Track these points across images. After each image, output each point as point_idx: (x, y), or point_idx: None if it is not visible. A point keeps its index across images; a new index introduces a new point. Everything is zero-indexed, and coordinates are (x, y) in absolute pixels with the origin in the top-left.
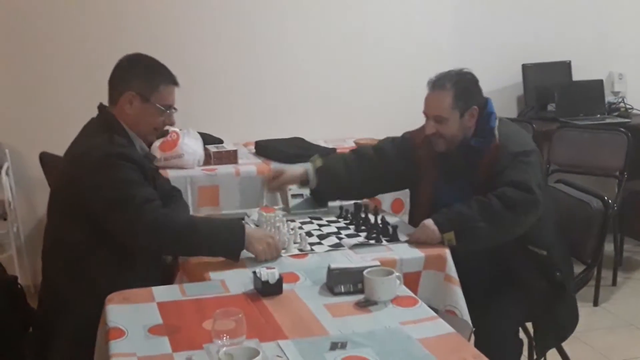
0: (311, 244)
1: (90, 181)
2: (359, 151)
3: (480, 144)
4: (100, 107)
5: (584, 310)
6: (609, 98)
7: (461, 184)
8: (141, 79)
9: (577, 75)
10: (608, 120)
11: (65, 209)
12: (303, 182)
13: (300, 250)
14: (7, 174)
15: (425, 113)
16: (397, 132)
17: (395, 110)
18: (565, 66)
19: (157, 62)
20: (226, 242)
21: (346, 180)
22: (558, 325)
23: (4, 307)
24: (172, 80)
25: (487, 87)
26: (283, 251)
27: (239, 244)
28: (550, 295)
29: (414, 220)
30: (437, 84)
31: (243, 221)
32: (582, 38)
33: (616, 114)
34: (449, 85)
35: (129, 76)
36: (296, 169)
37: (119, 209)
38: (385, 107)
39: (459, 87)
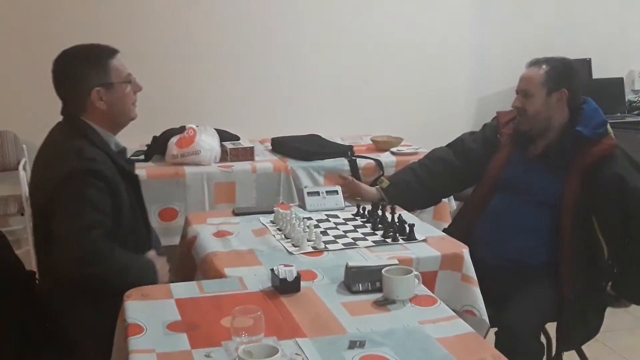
0: (326, 243)
1: (53, 194)
2: (431, 154)
3: (591, 133)
4: (67, 114)
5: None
6: (629, 96)
7: (543, 167)
8: (91, 70)
9: (597, 73)
10: (629, 119)
11: (38, 219)
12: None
13: (314, 248)
14: (24, 169)
15: (516, 89)
16: (414, 130)
17: (412, 107)
18: (585, 64)
19: (87, 46)
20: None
21: (418, 190)
22: (586, 325)
23: (23, 302)
24: (112, 50)
25: (505, 84)
26: (297, 248)
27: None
28: (584, 292)
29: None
30: (534, 62)
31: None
32: (602, 35)
33: (637, 112)
34: (543, 65)
35: (80, 76)
36: (371, 189)
37: (63, 226)
38: (402, 105)
39: (552, 67)
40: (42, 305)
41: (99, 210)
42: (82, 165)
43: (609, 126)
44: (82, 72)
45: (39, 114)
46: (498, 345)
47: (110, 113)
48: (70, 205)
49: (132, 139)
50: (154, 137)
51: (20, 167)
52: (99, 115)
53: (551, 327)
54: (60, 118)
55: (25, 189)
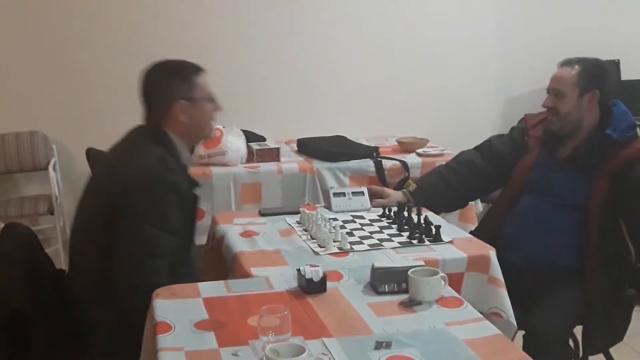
0: (351, 243)
1: (129, 202)
2: (458, 157)
3: (620, 135)
4: (149, 121)
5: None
6: None
7: (571, 169)
8: (179, 84)
9: (626, 74)
10: None
11: (95, 220)
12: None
13: (340, 248)
14: (54, 169)
15: (548, 88)
16: (440, 131)
17: (438, 108)
18: (614, 65)
19: (177, 61)
20: None
21: (446, 194)
22: (612, 328)
23: (53, 300)
24: (198, 69)
25: (532, 85)
26: (323, 249)
27: None
28: (611, 295)
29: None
30: (567, 62)
31: None
32: (631, 36)
33: None
34: (576, 65)
35: (167, 88)
36: (398, 193)
37: (136, 244)
38: (428, 106)
39: (585, 68)
40: (69, 304)
41: (169, 231)
42: (162, 174)
43: (638, 130)
44: (170, 84)
45: (68, 115)
46: (526, 348)
47: (189, 127)
48: (144, 220)
49: None
50: None
51: (50, 167)
52: (179, 127)
53: (577, 331)
54: (90, 116)
55: (55, 189)
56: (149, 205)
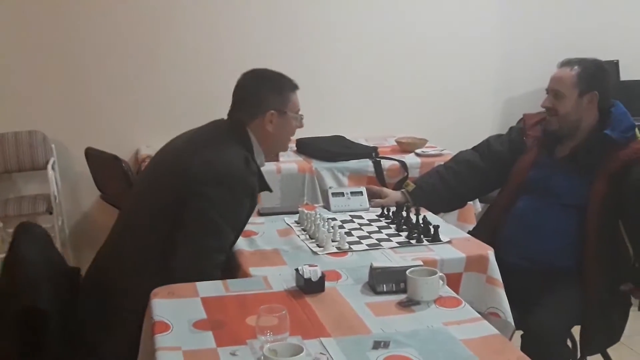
0: (350, 243)
1: (209, 190)
2: (457, 157)
3: (619, 136)
4: (234, 119)
5: (629, 314)
6: None
7: (570, 169)
8: (274, 95)
9: (625, 74)
10: None
11: (160, 201)
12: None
13: (339, 248)
14: (53, 168)
15: (547, 88)
16: (439, 131)
17: (437, 108)
18: (613, 65)
19: (277, 74)
20: None
21: (444, 194)
22: (610, 328)
23: (69, 298)
24: (294, 85)
25: (532, 86)
26: (321, 249)
27: None
28: (608, 295)
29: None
30: (566, 62)
31: None
32: (630, 37)
33: None
34: (576, 66)
35: (263, 95)
36: (397, 193)
37: (204, 230)
38: (427, 106)
39: (584, 69)
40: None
41: (234, 229)
42: (246, 176)
43: (637, 130)
44: (267, 92)
45: (67, 114)
46: (525, 348)
47: (272, 137)
48: (218, 212)
49: (158, 139)
50: None
51: (49, 166)
52: (263, 134)
53: (575, 331)
54: (88, 116)
55: (54, 188)
56: (226, 200)
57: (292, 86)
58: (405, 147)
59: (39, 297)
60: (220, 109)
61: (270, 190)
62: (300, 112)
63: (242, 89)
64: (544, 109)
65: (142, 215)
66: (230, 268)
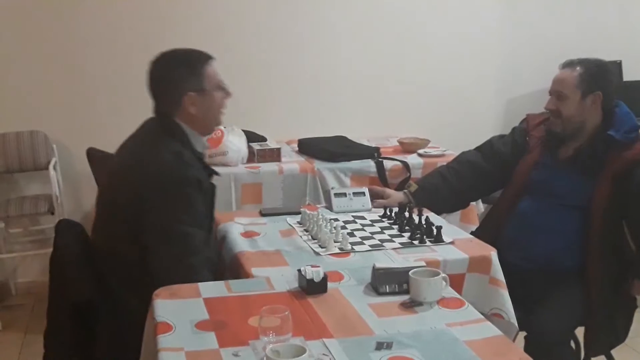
0: (352, 244)
1: (154, 202)
2: (460, 158)
3: (623, 137)
4: (159, 113)
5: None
6: None
7: (573, 170)
8: (187, 75)
9: (628, 75)
10: None
11: (118, 215)
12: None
13: (341, 249)
14: (54, 169)
15: (550, 90)
16: (441, 132)
17: (439, 109)
18: (616, 66)
19: (185, 51)
20: None
21: (447, 195)
22: (614, 329)
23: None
24: (208, 57)
25: (535, 86)
26: (323, 249)
27: None
28: (612, 296)
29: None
30: (568, 63)
31: None
32: (633, 37)
33: None
34: (578, 67)
35: (175, 80)
36: (399, 194)
37: (170, 244)
38: (429, 106)
39: (587, 70)
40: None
41: (199, 226)
42: (183, 172)
43: None
44: (178, 76)
45: (69, 114)
46: (528, 349)
47: (200, 118)
48: (174, 218)
49: None
50: None
51: (51, 167)
52: (190, 118)
53: (579, 332)
54: (90, 116)
55: (55, 189)
56: (175, 204)
57: (205, 59)
58: (407, 147)
59: (87, 290)
60: None
61: (217, 174)
62: (221, 81)
63: (154, 79)
64: (545, 109)
65: (108, 242)
66: (233, 269)
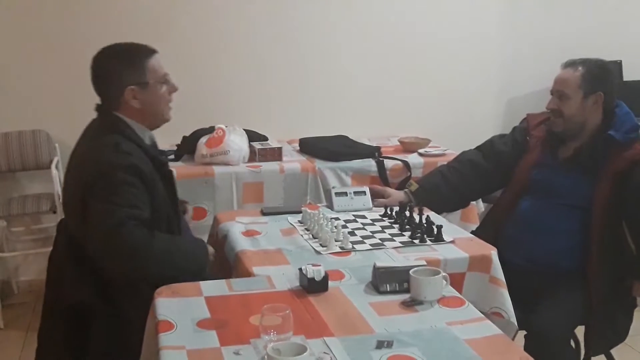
0: (353, 243)
1: (87, 191)
2: (460, 157)
3: (623, 137)
4: (100, 110)
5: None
6: None
7: (573, 170)
8: (128, 69)
9: (629, 75)
10: None
11: (73, 217)
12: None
13: (342, 248)
14: (56, 167)
15: (551, 90)
16: (442, 131)
17: (440, 108)
18: (616, 66)
19: (125, 45)
20: (197, 260)
21: (447, 194)
22: (614, 329)
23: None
24: (151, 50)
25: (535, 86)
26: (324, 248)
27: (205, 259)
28: (612, 296)
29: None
30: (570, 63)
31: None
32: (633, 37)
33: None
34: (580, 67)
35: (115, 74)
36: (400, 193)
37: (99, 222)
38: (430, 106)
39: (589, 70)
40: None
41: (132, 206)
42: (118, 160)
43: None
44: (118, 70)
45: (71, 113)
46: (528, 349)
47: (144, 112)
48: (103, 202)
49: (162, 139)
50: (184, 137)
51: (53, 166)
52: (133, 112)
53: (579, 331)
54: (92, 115)
55: (57, 188)
56: (111, 190)
57: (147, 52)
58: (408, 146)
59: (83, 291)
60: (217, 108)
61: (166, 161)
62: (166, 75)
63: (96, 75)
64: (547, 109)
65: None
66: (233, 267)
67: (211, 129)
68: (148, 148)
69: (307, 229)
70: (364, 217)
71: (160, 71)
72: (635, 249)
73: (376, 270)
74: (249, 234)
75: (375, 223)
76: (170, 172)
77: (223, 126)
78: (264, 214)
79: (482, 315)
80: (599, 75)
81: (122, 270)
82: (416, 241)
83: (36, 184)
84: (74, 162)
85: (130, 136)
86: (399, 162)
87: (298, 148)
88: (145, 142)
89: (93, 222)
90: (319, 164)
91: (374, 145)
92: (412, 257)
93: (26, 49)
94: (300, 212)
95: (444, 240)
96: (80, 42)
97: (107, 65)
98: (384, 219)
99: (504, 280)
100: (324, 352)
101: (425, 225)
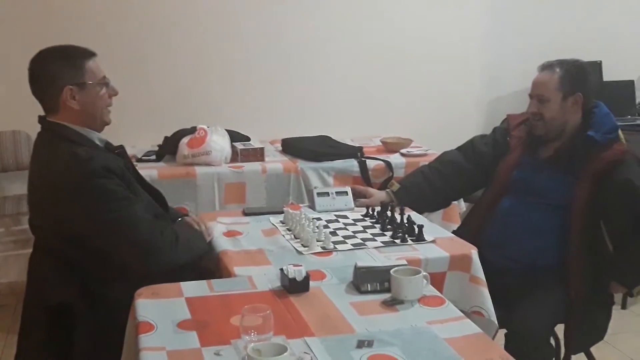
0: (335, 243)
1: (78, 208)
2: (441, 157)
3: (602, 137)
4: (42, 121)
5: (612, 313)
6: None
7: (553, 170)
8: (65, 69)
9: (608, 75)
10: (639, 122)
11: (53, 232)
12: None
13: (324, 248)
14: None
15: (530, 93)
16: (424, 131)
17: (422, 109)
18: (596, 66)
19: (64, 46)
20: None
21: (429, 194)
22: (594, 327)
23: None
24: (89, 53)
25: (516, 86)
26: (306, 249)
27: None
28: (591, 294)
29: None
30: (547, 66)
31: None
32: (613, 38)
33: None
34: (557, 69)
35: (52, 76)
36: (382, 193)
37: (119, 231)
38: (412, 106)
39: (566, 71)
40: None
41: (131, 200)
42: (83, 169)
43: (620, 131)
44: (56, 70)
45: None
46: (508, 347)
47: (83, 114)
48: (103, 213)
49: (143, 139)
50: (166, 138)
51: None
52: (73, 115)
53: (559, 330)
54: None
55: None
56: (95, 201)
57: (86, 54)
58: (390, 147)
59: (63, 292)
60: (199, 108)
61: (120, 148)
62: (105, 78)
63: (33, 77)
64: (529, 113)
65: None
66: (215, 268)
67: (193, 130)
68: (102, 150)
69: (289, 229)
70: (345, 217)
71: (99, 73)
72: (612, 248)
73: (357, 270)
74: (230, 234)
75: (357, 223)
76: (126, 157)
77: (205, 126)
78: (245, 214)
79: (463, 315)
80: (577, 77)
81: (167, 261)
82: (397, 241)
83: (16, 184)
84: (35, 183)
85: (80, 141)
86: (381, 162)
87: (280, 148)
88: (97, 144)
89: (108, 234)
90: (302, 165)
91: (357, 145)
92: (393, 256)
93: (5, 49)
94: (282, 212)
95: (425, 240)
96: (61, 42)
97: (45, 65)
98: (366, 219)
99: (485, 279)
100: (305, 352)
101: (406, 225)
